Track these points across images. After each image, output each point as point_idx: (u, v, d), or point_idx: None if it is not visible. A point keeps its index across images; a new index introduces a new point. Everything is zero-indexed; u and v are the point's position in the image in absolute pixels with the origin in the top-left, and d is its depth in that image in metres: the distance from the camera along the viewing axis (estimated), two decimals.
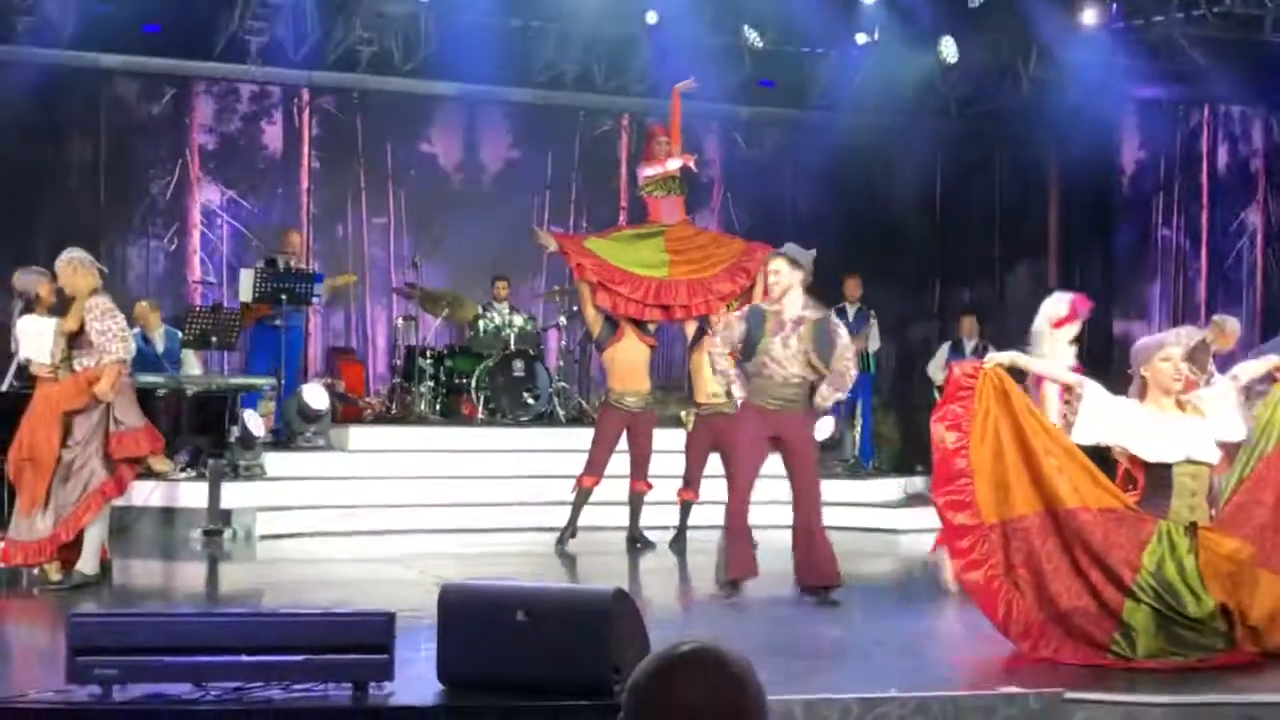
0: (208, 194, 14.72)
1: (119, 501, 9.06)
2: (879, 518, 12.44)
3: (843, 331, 8.34)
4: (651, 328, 11.07)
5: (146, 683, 5.20)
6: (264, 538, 10.90)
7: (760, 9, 14.67)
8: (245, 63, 14.16)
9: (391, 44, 14.31)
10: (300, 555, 10.47)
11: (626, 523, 10.83)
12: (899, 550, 11.57)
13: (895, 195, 16.49)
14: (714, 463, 10.23)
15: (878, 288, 15.55)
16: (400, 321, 14.45)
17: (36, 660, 6.79)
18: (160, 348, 12.36)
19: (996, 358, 6.74)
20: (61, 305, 8.44)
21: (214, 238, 14.71)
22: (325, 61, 14.48)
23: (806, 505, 8.17)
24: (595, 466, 10.61)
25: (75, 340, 8.33)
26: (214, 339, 12.35)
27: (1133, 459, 6.51)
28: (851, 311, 14.35)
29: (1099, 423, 6.48)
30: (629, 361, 10.70)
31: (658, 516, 10.86)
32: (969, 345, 14.32)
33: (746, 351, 8.18)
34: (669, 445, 10.95)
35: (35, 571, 8.46)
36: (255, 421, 11.70)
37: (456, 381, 13.59)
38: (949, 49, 15.00)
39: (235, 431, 10.67)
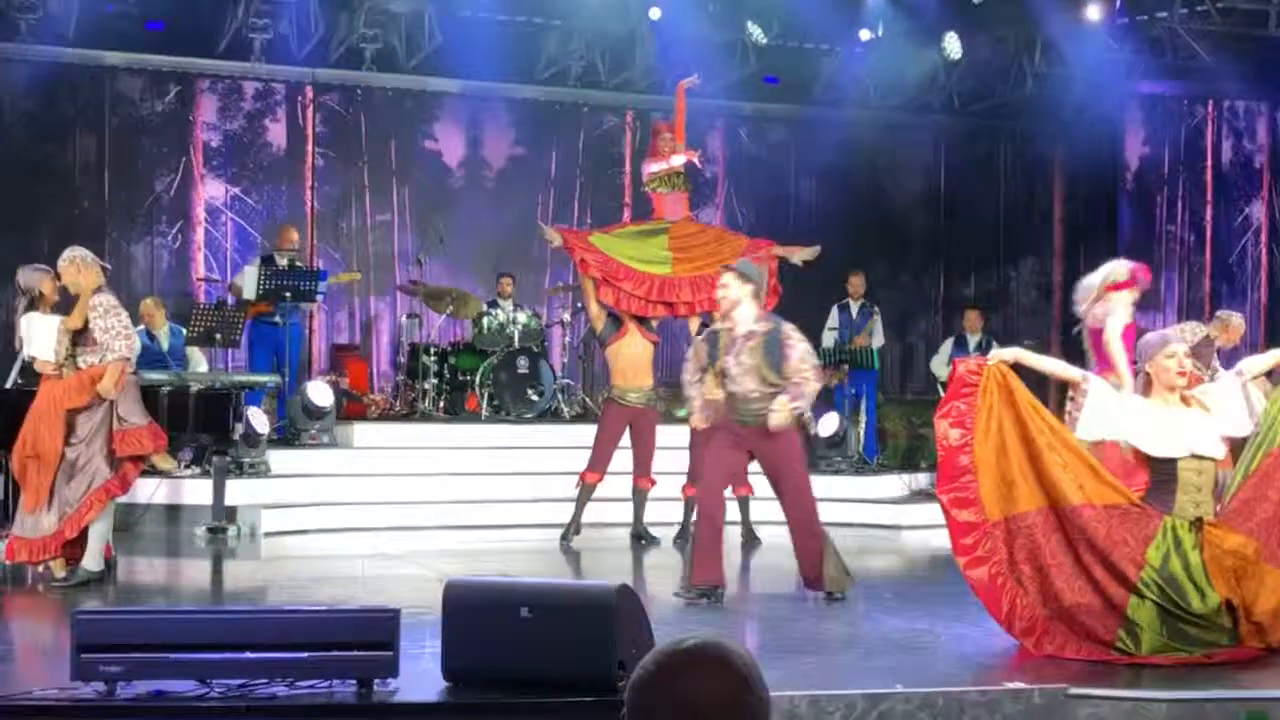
0: (211, 191, 14.73)
1: (123, 499, 9.08)
2: (883, 514, 12.42)
3: (796, 341, 7.96)
4: (655, 324, 11.07)
5: (151, 680, 5.21)
6: (268, 535, 10.89)
7: (764, 5, 14.63)
8: (249, 60, 14.14)
9: (395, 41, 14.29)
10: (304, 552, 10.46)
11: (630, 519, 10.84)
12: (903, 546, 11.57)
13: (899, 191, 16.49)
14: None
15: (882, 283, 15.53)
16: (404, 318, 14.46)
17: (41, 657, 6.80)
18: (165, 345, 12.36)
19: (1000, 354, 6.73)
20: (65, 303, 8.45)
21: (218, 235, 14.71)
22: (329, 58, 14.48)
23: (797, 510, 8.01)
24: (598, 463, 10.61)
25: (79, 338, 8.34)
26: (218, 336, 12.35)
27: (1138, 454, 6.50)
28: (855, 307, 14.35)
29: (1103, 418, 6.47)
30: (632, 358, 10.69)
31: (661, 512, 10.86)
32: (973, 341, 14.30)
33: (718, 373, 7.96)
34: (672, 441, 10.96)
35: (40, 569, 8.48)
36: (260, 419, 11.71)
37: (460, 378, 13.59)
38: (953, 45, 14.97)
39: (240, 429, 10.67)
